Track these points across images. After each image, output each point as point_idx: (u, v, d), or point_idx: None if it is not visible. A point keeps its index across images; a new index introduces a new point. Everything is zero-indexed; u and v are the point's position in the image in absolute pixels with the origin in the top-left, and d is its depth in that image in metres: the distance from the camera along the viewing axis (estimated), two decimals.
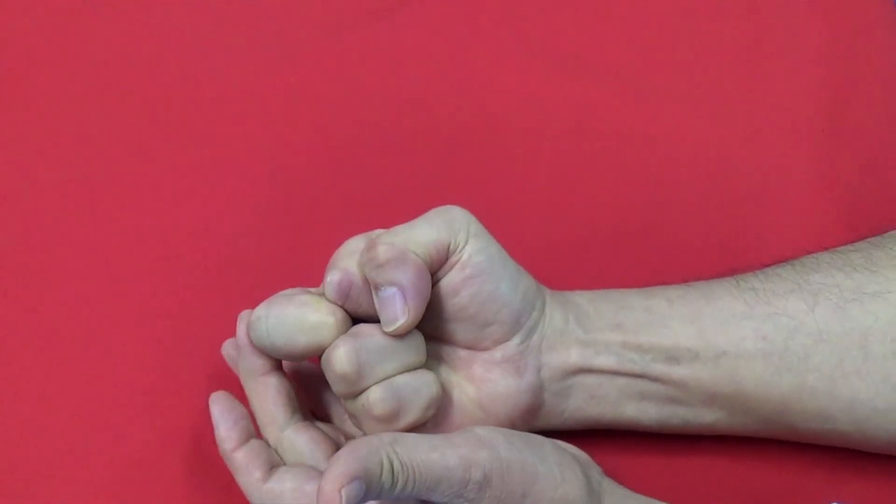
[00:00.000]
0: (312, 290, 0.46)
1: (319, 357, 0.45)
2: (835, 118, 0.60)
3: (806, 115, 0.60)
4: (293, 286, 0.48)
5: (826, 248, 0.49)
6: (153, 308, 0.54)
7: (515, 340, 0.45)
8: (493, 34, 0.63)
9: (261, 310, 0.45)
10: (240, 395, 0.47)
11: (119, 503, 0.49)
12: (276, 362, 0.46)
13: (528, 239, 0.56)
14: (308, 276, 0.50)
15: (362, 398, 0.43)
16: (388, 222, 0.50)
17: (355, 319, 0.45)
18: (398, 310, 0.42)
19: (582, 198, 0.58)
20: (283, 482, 0.43)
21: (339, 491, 0.37)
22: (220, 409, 0.45)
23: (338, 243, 0.46)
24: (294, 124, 0.60)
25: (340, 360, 0.42)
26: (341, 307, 0.44)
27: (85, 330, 0.53)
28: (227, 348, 0.49)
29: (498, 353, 0.45)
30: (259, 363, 0.45)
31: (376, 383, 0.43)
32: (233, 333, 0.49)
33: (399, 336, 0.43)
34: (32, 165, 0.58)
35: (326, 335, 0.43)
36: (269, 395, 0.46)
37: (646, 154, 0.59)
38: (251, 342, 0.45)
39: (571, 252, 0.56)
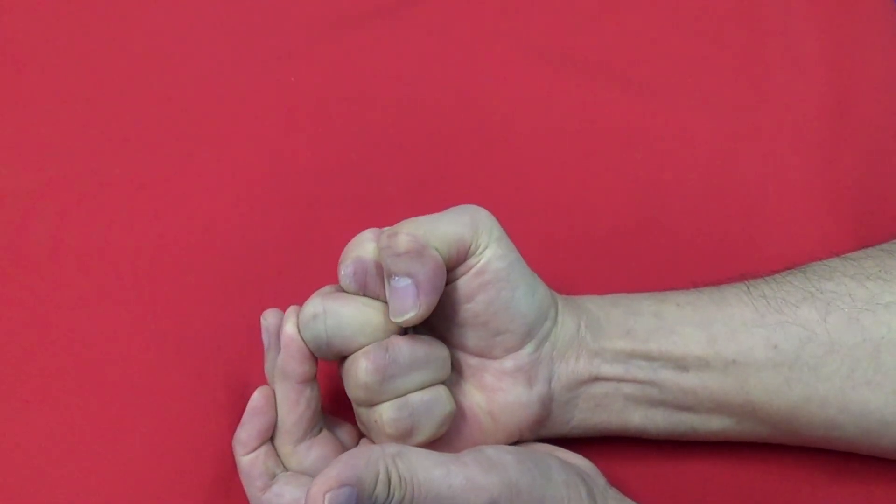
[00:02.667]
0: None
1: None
2: (835, 118, 0.60)
3: (806, 114, 0.60)
4: (293, 286, 0.48)
5: (829, 249, 0.50)
6: (153, 307, 0.54)
7: (527, 350, 0.45)
8: (493, 34, 0.63)
9: (315, 306, 0.43)
10: (247, 395, 0.46)
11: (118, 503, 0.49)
12: (315, 371, 0.45)
13: (528, 238, 0.55)
14: (308, 276, 0.50)
15: (375, 413, 0.43)
16: (389, 223, 0.50)
17: None
18: (410, 301, 0.42)
19: (582, 197, 0.58)
20: (282, 496, 0.43)
21: (324, 495, 0.37)
22: (254, 409, 0.45)
23: (338, 243, 0.46)
24: (294, 124, 0.60)
25: (368, 370, 0.42)
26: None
27: (84, 330, 0.53)
28: (269, 319, 0.46)
29: (509, 362, 0.45)
30: (300, 370, 0.44)
31: (393, 398, 0.43)
32: (232, 334, 0.49)
33: (419, 342, 0.43)
34: (32, 165, 0.57)
35: (383, 339, 0.43)
36: (298, 408, 0.45)
37: (646, 154, 0.59)
38: (301, 339, 0.44)
39: (571, 251, 0.56)
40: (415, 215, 0.46)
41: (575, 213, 0.57)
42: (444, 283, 0.43)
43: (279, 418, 0.45)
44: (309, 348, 0.44)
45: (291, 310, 0.44)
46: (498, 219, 0.45)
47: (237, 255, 0.55)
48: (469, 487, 0.39)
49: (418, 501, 0.38)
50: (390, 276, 0.42)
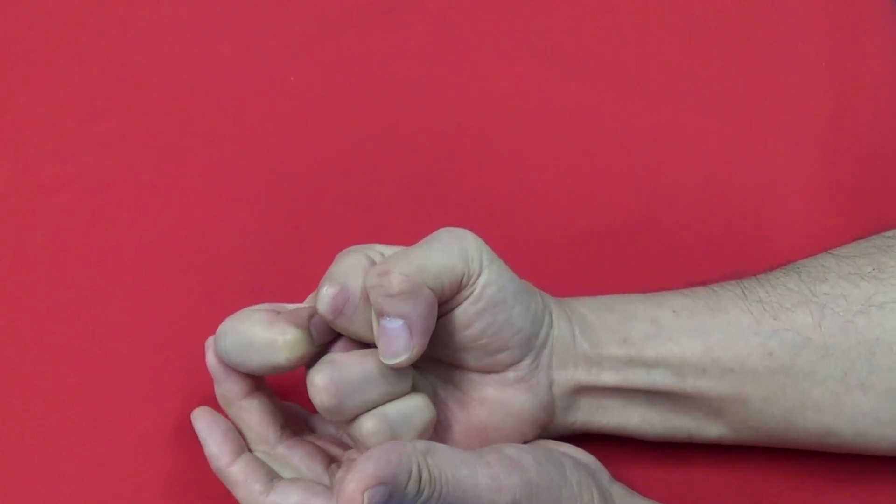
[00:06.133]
0: (289, 305, 0.45)
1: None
2: (835, 118, 0.60)
3: (806, 114, 0.60)
4: (291, 287, 0.48)
5: (828, 249, 0.49)
6: (152, 307, 0.54)
7: (527, 360, 0.45)
8: (494, 34, 0.63)
9: (223, 325, 0.44)
10: None
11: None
12: (254, 383, 0.45)
13: (528, 238, 0.56)
14: (307, 277, 0.49)
15: (355, 427, 0.42)
16: (389, 223, 0.50)
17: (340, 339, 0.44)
18: (402, 344, 0.41)
19: (582, 197, 0.58)
20: (288, 495, 0.43)
21: (363, 493, 0.36)
22: (205, 424, 0.45)
23: (337, 245, 0.46)
24: (294, 124, 0.60)
25: (320, 393, 0.41)
26: (296, 327, 0.42)
27: (84, 329, 0.53)
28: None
29: (511, 374, 0.45)
30: (235, 388, 0.45)
31: (364, 412, 0.42)
32: None
33: (370, 355, 0.42)
34: (32, 165, 0.58)
35: (275, 355, 0.42)
36: (253, 417, 0.45)
37: (646, 154, 0.59)
38: (219, 362, 0.44)
39: (571, 251, 0.56)
40: (415, 216, 0.46)
41: (574, 212, 0.57)
42: (435, 321, 0.42)
43: (244, 434, 0.45)
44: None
45: (211, 339, 0.45)
46: (483, 216, 0.46)
47: (237, 255, 0.55)
48: (494, 487, 0.39)
49: (445, 499, 0.38)
50: (381, 315, 0.41)
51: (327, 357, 0.42)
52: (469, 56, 0.62)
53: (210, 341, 0.45)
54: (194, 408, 0.47)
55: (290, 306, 0.45)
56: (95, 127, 0.59)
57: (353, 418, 0.42)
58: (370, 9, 0.63)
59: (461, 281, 0.42)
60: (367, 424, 0.42)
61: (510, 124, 0.60)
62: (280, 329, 0.42)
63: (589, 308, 0.47)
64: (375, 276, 0.41)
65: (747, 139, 0.59)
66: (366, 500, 0.36)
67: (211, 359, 0.45)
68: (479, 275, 0.43)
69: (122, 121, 0.59)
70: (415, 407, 0.43)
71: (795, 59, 0.62)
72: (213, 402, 0.46)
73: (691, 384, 0.46)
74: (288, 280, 0.54)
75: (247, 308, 0.44)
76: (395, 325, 0.41)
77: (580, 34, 0.63)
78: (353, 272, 0.42)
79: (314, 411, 0.49)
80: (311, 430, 0.49)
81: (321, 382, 0.41)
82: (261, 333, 0.42)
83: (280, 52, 0.62)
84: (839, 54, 0.62)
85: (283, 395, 0.49)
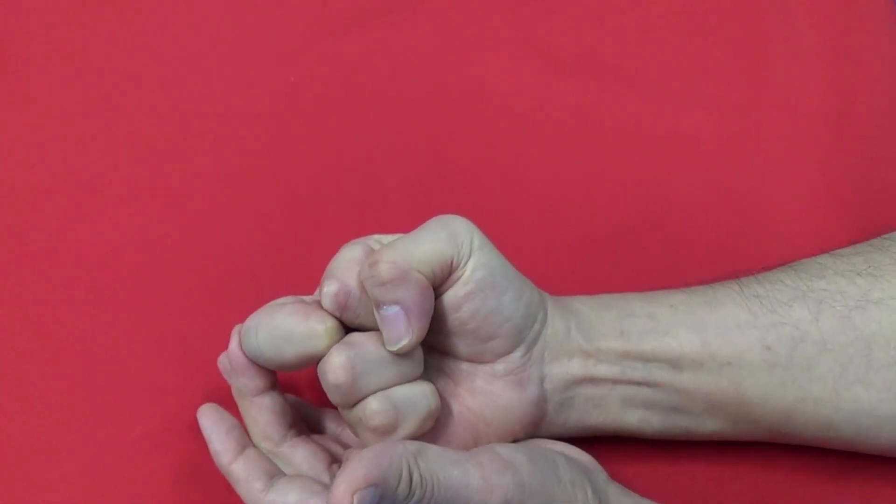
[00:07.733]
0: (306, 298, 0.46)
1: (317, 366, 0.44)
2: (835, 117, 0.60)
3: (806, 114, 0.60)
4: (292, 286, 0.48)
5: (826, 250, 0.49)
6: (152, 307, 0.54)
7: (518, 353, 0.45)
8: (495, 34, 0.63)
9: (252, 320, 0.44)
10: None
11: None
12: (270, 382, 0.46)
13: (528, 238, 0.56)
14: (307, 276, 0.50)
15: (359, 409, 0.43)
16: (389, 223, 0.50)
17: (352, 329, 0.44)
18: (402, 329, 0.42)
19: (582, 197, 0.58)
20: (287, 495, 0.43)
21: (352, 495, 0.37)
22: (211, 421, 0.45)
23: (338, 244, 0.46)
24: (294, 124, 0.60)
25: (335, 370, 0.42)
26: (333, 316, 0.43)
27: (84, 329, 0.53)
28: (223, 361, 0.47)
29: (500, 365, 0.45)
30: (251, 384, 0.45)
31: (373, 394, 0.42)
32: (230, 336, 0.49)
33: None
34: (32, 165, 0.58)
35: (315, 345, 0.43)
36: (262, 415, 0.45)
37: (646, 153, 0.59)
38: (244, 355, 0.45)
39: (571, 251, 0.56)
40: (416, 215, 0.46)
41: (574, 212, 0.57)
42: (433, 304, 0.43)
43: (249, 430, 0.46)
44: (254, 362, 0.45)
45: (236, 329, 0.45)
46: (484, 216, 0.45)
47: (237, 255, 0.55)
48: (485, 488, 0.39)
49: (436, 500, 0.38)
50: (378, 305, 0.42)
51: (346, 339, 0.43)
52: (469, 56, 0.62)
53: (236, 331, 0.45)
54: (195, 408, 0.47)
55: (307, 298, 0.45)
56: (95, 127, 0.59)
57: (359, 401, 0.43)
58: (370, 9, 0.63)
59: (451, 263, 0.43)
60: (373, 404, 0.42)
61: (510, 124, 0.60)
62: (319, 318, 0.43)
63: (586, 305, 0.47)
64: (367, 268, 0.42)
65: (747, 139, 0.59)
66: (355, 503, 0.37)
67: (235, 350, 0.45)
68: (469, 258, 0.43)
69: (122, 121, 0.59)
70: (421, 393, 0.43)
71: (795, 59, 0.62)
72: (213, 401, 0.47)
73: (689, 378, 0.45)
74: (288, 279, 0.54)
75: (272, 302, 0.45)
76: (392, 312, 0.42)
77: (580, 34, 0.63)
78: (352, 266, 0.43)
79: (317, 404, 0.49)
80: (313, 429, 0.49)
81: (339, 360, 0.42)
82: (299, 324, 0.43)
83: (280, 52, 0.62)
84: (839, 54, 0.62)
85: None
